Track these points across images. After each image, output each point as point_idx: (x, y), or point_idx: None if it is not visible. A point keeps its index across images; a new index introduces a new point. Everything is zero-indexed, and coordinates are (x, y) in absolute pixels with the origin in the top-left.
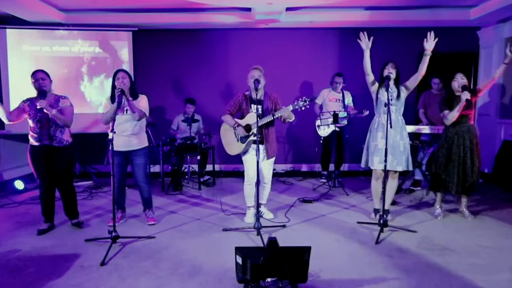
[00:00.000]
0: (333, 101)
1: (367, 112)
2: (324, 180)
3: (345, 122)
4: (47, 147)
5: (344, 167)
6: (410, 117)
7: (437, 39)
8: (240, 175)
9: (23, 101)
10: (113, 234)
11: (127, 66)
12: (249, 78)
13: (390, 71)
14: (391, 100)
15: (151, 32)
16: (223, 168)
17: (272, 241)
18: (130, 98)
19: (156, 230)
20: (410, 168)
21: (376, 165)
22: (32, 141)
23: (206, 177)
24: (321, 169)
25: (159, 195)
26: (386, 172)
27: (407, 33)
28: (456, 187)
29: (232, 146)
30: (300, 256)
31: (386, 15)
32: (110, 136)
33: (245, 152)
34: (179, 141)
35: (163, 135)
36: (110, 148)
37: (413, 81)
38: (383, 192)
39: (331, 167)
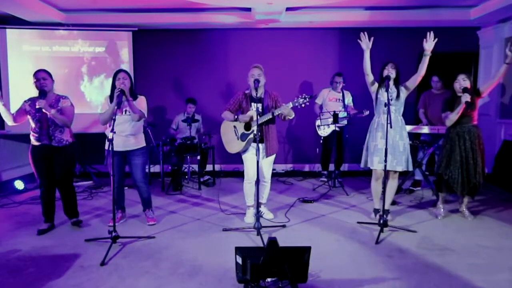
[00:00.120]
0: (333, 101)
1: (367, 112)
2: (324, 180)
3: (345, 122)
4: (47, 146)
5: (344, 167)
6: (410, 117)
7: (436, 39)
8: (240, 175)
9: (25, 101)
10: (113, 234)
11: (127, 66)
12: (249, 77)
13: (390, 71)
14: (391, 100)
15: (151, 32)
16: (223, 168)
17: (272, 241)
18: (130, 98)
19: (156, 230)
20: (410, 169)
21: (376, 165)
22: (33, 141)
23: (206, 177)
24: (321, 169)
25: (159, 195)
26: (386, 172)
27: (407, 33)
28: (461, 188)
29: (232, 144)
30: (300, 256)
31: (386, 15)
32: (110, 136)
33: (245, 150)
34: (179, 141)
35: (163, 135)
36: (109, 148)
37: (413, 82)
38: (383, 192)
39: (331, 167)
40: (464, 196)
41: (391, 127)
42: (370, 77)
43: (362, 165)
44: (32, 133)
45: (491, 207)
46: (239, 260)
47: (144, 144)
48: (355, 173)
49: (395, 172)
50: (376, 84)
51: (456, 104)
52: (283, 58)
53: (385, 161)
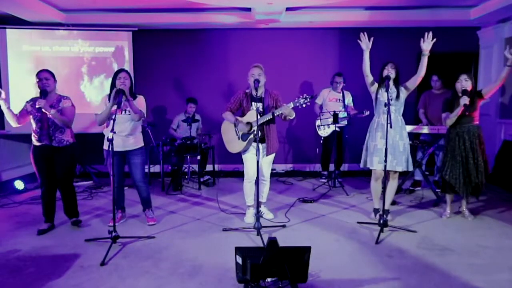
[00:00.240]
0: (333, 101)
1: (367, 112)
2: (324, 180)
3: (345, 122)
4: (47, 147)
5: (344, 167)
6: (410, 117)
7: (435, 39)
8: (240, 175)
9: (27, 101)
10: (113, 234)
11: (127, 66)
12: (249, 76)
13: (390, 71)
14: (391, 100)
15: (151, 32)
16: (223, 168)
17: (272, 241)
18: (130, 98)
19: (156, 230)
20: (410, 169)
21: (376, 165)
22: (34, 141)
23: (206, 177)
24: (321, 169)
25: (159, 195)
26: (386, 172)
27: (407, 33)
28: (463, 188)
29: (233, 144)
30: (300, 256)
31: (386, 15)
32: (110, 136)
33: (245, 150)
34: (179, 141)
35: (163, 135)
36: (108, 148)
37: (413, 82)
38: (383, 192)
39: (331, 167)
40: (467, 197)
41: (391, 127)
42: (369, 78)
43: (361, 165)
44: (33, 133)
45: (491, 207)
46: (239, 260)
47: (143, 144)
48: (355, 173)
49: (395, 172)
50: (376, 84)
51: (456, 104)
52: (283, 58)
53: (385, 161)
